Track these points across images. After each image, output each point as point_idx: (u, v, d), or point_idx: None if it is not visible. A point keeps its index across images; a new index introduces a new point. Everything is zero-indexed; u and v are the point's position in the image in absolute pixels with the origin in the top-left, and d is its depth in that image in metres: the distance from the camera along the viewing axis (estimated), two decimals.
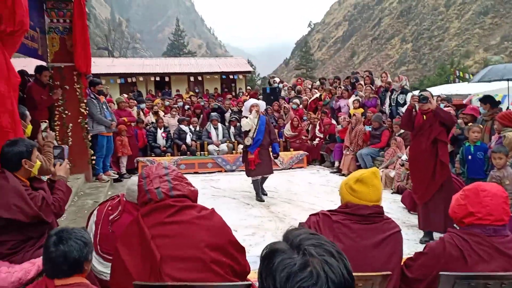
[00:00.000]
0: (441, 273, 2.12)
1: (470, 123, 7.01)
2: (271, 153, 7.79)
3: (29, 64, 10.91)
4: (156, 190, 2.11)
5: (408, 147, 7.62)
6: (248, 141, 7.51)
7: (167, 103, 13.92)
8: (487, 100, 6.87)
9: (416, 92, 6.54)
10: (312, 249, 0.97)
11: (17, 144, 3.13)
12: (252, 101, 7.98)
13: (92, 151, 7.99)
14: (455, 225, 2.39)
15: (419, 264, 2.32)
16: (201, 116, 12.67)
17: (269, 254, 1.01)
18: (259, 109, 7.59)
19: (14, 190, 2.95)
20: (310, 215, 2.45)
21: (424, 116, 5.27)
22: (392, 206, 7.02)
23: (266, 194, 7.87)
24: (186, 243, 1.99)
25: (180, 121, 11.36)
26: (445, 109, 7.21)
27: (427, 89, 8.53)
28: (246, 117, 7.63)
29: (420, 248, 2.43)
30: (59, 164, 3.53)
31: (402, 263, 2.40)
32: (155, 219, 2.05)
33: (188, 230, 2.02)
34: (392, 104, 9.90)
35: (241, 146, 10.91)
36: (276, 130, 11.84)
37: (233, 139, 11.44)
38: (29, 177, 3.20)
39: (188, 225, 2.04)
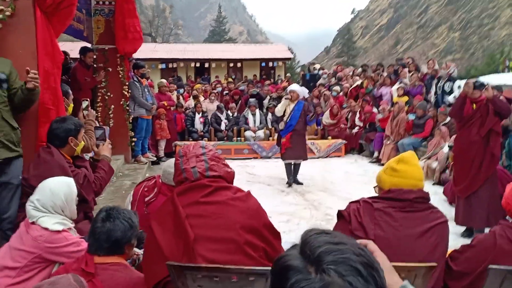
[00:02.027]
0: (490, 266, 1.98)
1: None
2: (306, 139, 7.82)
3: (75, 48, 11.24)
4: (192, 169, 2.07)
5: (454, 136, 7.33)
6: (281, 125, 7.60)
7: (206, 88, 13.98)
8: None
9: (464, 81, 6.23)
10: (333, 268, 0.78)
11: (66, 122, 3.22)
12: (291, 87, 7.96)
13: (132, 133, 8.11)
14: (507, 217, 2.23)
15: (466, 257, 2.20)
16: (240, 102, 12.66)
17: (282, 272, 0.83)
18: (294, 95, 7.54)
19: (58, 165, 3.03)
20: (350, 203, 2.35)
21: (474, 105, 4.96)
22: (433, 198, 6.65)
23: (301, 184, 7.76)
24: (220, 224, 1.94)
25: (218, 108, 11.40)
26: None
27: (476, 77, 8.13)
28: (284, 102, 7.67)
29: (462, 242, 2.29)
30: (102, 144, 3.60)
31: (447, 256, 2.27)
32: (190, 198, 2.01)
33: (222, 210, 1.97)
34: (438, 92, 9.50)
35: None
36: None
37: (270, 126, 11.38)
38: (72, 156, 3.26)
39: (223, 205, 1.99)
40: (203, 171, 2.08)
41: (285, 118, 7.50)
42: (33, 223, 2.43)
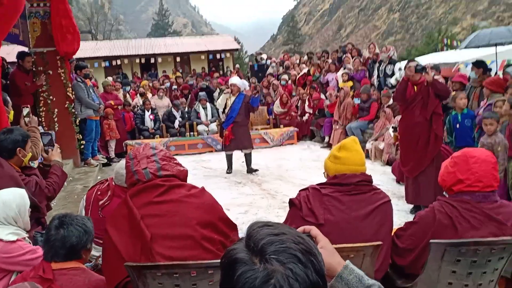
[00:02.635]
0: (431, 241, 2.14)
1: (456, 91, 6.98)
2: (249, 130, 8.23)
3: (12, 51, 10.73)
4: (143, 170, 2.10)
5: (397, 118, 7.66)
6: (222, 118, 7.99)
7: (154, 84, 13.76)
8: (480, 64, 6.78)
9: (405, 63, 6.48)
10: (275, 258, 0.86)
11: (13, 133, 3.20)
12: (231, 80, 8.21)
13: (80, 135, 7.91)
14: (444, 193, 2.41)
15: (410, 234, 2.35)
16: (189, 96, 12.58)
17: (229, 265, 0.89)
18: (234, 88, 7.80)
19: (9, 177, 2.99)
20: (300, 191, 2.46)
21: (415, 87, 5.14)
22: (382, 178, 7.09)
23: (257, 170, 7.94)
24: (176, 221, 1.99)
25: (174, 105, 11.29)
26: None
27: (415, 59, 8.51)
28: (225, 94, 7.99)
29: (411, 218, 2.46)
30: (51, 150, 3.57)
31: (392, 234, 2.42)
32: (143, 199, 2.04)
33: (178, 208, 2.02)
34: (380, 75, 9.88)
35: None
36: (265, 107, 11.93)
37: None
38: (20, 166, 3.21)
39: (177, 203, 2.03)
40: (155, 171, 2.11)
41: (226, 111, 7.80)
42: None
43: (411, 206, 5.51)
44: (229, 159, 8.11)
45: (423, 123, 5.06)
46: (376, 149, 8.22)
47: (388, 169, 7.35)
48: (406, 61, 6.21)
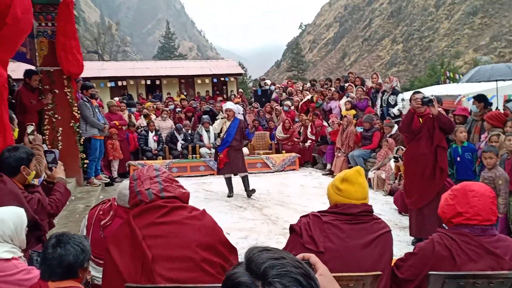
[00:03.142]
0: (430, 272, 2.16)
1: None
2: (244, 154, 8.32)
3: (17, 69, 10.90)
4: (146, 191, 2.13)
5: (396, 148, 7.70)
6: (218, 141, 8.08)
7: (158, 106, 13.88)
8: (481, 98, 6.86)
9: (409, 94, 6.54)
10: (278, 281, 0.88)
11: (18, 151, 3.23)
12: (227, 105, 8.39)
13: (83, 154, 7.95)
14: (444, 225, 2.43)
15: (409, 265, 2.35)
16: (193, 118, 12.67)
17: None
18: (230, 114, 8.01)
19: (11, 194, 3.01)
20: (300, 217, 2.47)
21: (420, 119, 5.09)
22: (384, 207, 7.07)
23: (253, 190, 8.04)
24: (177, 243, 2.01)
25: (176, 129, 11.36)
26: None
27: (419, 90, 8.61)
28: (221, 119, 8.14)
29: (411, 249, 2.47)
30: (55, 168, 3.60)
31: (392, 264, 2.43)
32: (146, 220, 2.07)
33: (179, 230, 2.04)
34: (383, 105, 9.97)
35: None
36: (267, 133, 12.00)
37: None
38: (23, 184, 3.24)
39: (179, 225, 2.06)
40: (158, 192, 2.15)
41: (221, 135, 7.96)
42: None
43: (411, 237, 5.48)
44: (229, 182, 8.17)
45: (429, 155, 5.00)
46: (378, 179, 8.23)
47: (390, 199, 7.34)
48: (409, 92, 6.26)
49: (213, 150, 10.90)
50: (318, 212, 2.44)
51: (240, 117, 8.56)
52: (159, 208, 2.10)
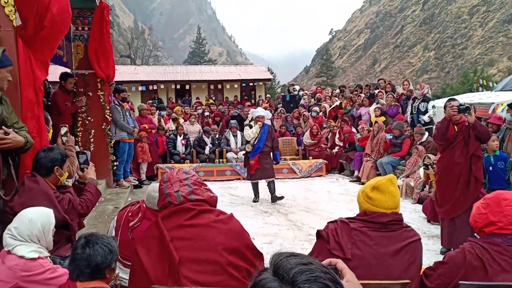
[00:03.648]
0: (461, 282, 2.10)
1: None
2: (272, 159, 8.32)
3: (54, 72, 11.23)
4: (176, 193, 2.16)
5: (425, 156, 7.55)
6: (248, 148, 8.05)
7: (186, 110, 14.05)
8: None
9: (440, 101, 6.40)
10: (308, 286, 0.88)
11: (53, 151, 3.30)
12: (258, 112, 8.35)
13: (114, 157, 8.11)
14: (475, 234, 2.36)
15: (439, 274, 2.30)
16: (221, 123, 12.76)
17: None
18: (263, 120, 8.07)
19: (43, 193, 3.07)
20: (328, 223, 2.45)
21: (455, 127, 4.94)
22: (412, 216, 6.94)
23: (282, 197, 8.04)
24: (204, 246, 2.03)
25: (205, 132, 11.46)
26: None
27: (454, 97, 8.41)
28: (250, 126, 8.16)
29: (440, 258, 2.41)
30: (86, 169, 3.68)
31: (421, 273, 2.38)
32: (174, 222, 2.09)
33: (206, 233, 2.06)
34: (413, 112, 9.80)
35: None
36: (294, 138, 11.95)
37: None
38: (56, 185, 3.30)
39: (206, 228, 2.07)
40: (187, 195, 2.17)
41: (251, 141, 7.98)
42: (9, 252, 2.45)
43: (441, 246, 5.35)
44: (255, 187, 8.22)
45: (463, 164, 4.85)
46: (407, 186, 8.08)
47: (419, 207, 7.20)
48: (441, 100, 6.11)
49: (240, 155, 10.95)
50: (347, 218, 2.41)
51: (269, 122, 8.59)
52: (187, 211, 2.12)
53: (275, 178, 8.21)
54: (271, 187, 8.04)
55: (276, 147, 8.31)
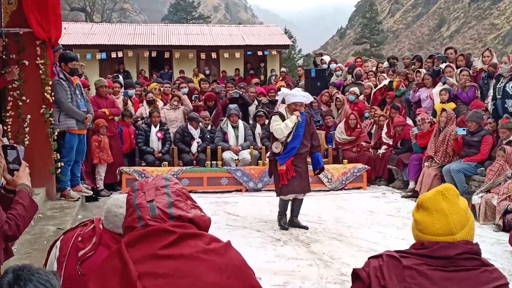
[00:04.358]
0: None
1: None
2: (309, 166, 8.10)
3: None
4: (148, 204, 2.14)
5: None
6: (277, 147, 7.72)
7: (166, 89, 14.03)
8: None
9: None
10: None
11: None
12: (295, 96, 7.87)
13: (57, 155, 8.12)
14: None
15: None
16: (215, 109, 12.74)
17: None
18: (302, 108, 7.77)
19: None
20: (369, 258, 2.43)
21: None
22: (495, 249, 6.91)
23: (306, 228, 7.88)
24: (187, 287, 1.99)
25: (190, 119, 11.40)
26: None
27: None
28: (280, 115, 7.78)
29: None
30: (17, 171, 3.64)
31: None
32: (145, 250, 2.06)
33: (191, 268, 2.03)
34: (498, 96, 9.72)
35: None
36: (323, 132, 11.91)
37: (259, 144, 11.43)
38: None
39: (191, 261, 2.05)
40: (164, 207, 2.13)
41: (283, 138, 7.67)
42: None
43: None
44: (285, 205, 7.94)
45: None
46: (487, 206, 8.02)
47: (505, 236, 7.16)
48: None
49: (242, 155, 10.92)
50: (397, 252, 2.39)
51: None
52: (164, 234, 2.08)
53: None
54: (298, 205, 7.95)
55: (318, 146, 8.03)
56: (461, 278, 2.24)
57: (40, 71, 7.77)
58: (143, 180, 2.31)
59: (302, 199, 7.97)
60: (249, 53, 21.74)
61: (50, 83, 7.90)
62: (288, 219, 7.97)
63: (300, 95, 7.92)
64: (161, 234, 2.09)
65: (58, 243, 3.34)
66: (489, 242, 7.13)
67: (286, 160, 7.67)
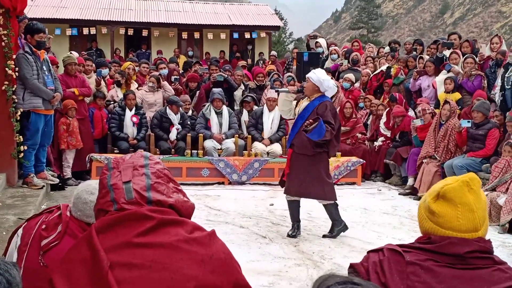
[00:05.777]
0: None
1: None
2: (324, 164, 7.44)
3: None
4: (124, 185, 2.09)
5: None
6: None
7: (143, 69, 13.97)
8: None
9: None
10: None
11: None
12: (317, 74, 7.31)
13: (20, 137, 8.05)
14: None
15: None
16: (197, 93, 12.72)
17: None
18: (308, 91, 7.29)
19: None
20: (368, 252, 2.41)
21: None
22: (499, 252, 6.93)
23: (346, 228, 7.53)
24: (164, 280, 1.96)
25: (170, 103, 11.32)
26: None
27: None
28: (301, 91, 7.49)
29: None
30: None
31: None
32: (118, 238, 2.02)
33: (170, 259, 1.99)
34: (506, 86, 9.77)
35: (258, 145, 10.95)
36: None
37: (245, 133, 11.44)
38: None
39: (170, 251, 2.01)
40: (142, 190, 2.09)
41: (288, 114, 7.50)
42: None
43: None
44: (295, 209, 7.49)
45: None
46: (492, 205, 8.07)
47: (511, 239, 7.21)
48: None
49: (226, 144, 10.89)
50: (399, 246, 2.36)
51: (330, 93, 7.58)
52: (140, 220, 2.04)
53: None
54: (333, 211, 7.43)
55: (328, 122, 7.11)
56: (471, 276, 2.23)
57: (3, 43, 7.73)
58: (119, 157, 2.25)
59: (332, 204, 7.43)
60: (235, 34, 21.71)
61: (14, 57, 7.85)
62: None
63: (318, 75, 7.33)
64: (137, 220, 2.05)
65: (20, 230, 3.31)
66: (494, 245, 7.07)
67: (288, 146, 7.49)
